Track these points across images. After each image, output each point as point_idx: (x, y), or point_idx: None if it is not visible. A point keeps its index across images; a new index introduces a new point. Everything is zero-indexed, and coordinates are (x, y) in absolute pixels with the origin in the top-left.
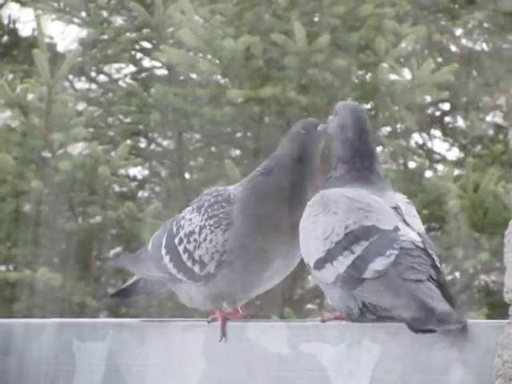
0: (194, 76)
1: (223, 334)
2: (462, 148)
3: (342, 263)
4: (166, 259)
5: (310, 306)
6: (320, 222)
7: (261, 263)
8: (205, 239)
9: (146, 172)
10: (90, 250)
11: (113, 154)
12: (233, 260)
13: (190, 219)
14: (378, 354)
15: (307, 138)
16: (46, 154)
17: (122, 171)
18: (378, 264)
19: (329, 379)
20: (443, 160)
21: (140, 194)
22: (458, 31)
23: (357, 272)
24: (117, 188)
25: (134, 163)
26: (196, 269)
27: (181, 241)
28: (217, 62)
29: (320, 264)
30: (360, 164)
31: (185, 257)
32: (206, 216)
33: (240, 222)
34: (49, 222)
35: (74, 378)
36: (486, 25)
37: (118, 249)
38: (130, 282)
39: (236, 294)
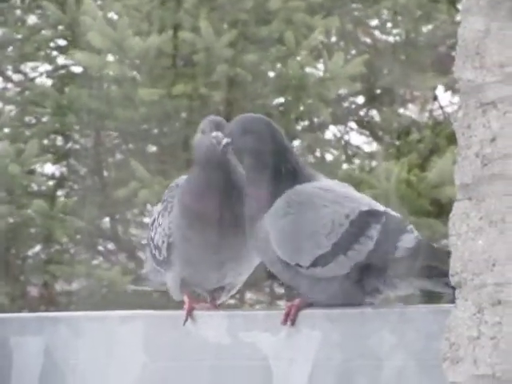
0: (108, 73)
1: (186, 318)
2: (378, 140)
3: (361, 251)
4: (148, 253)
5: (230, 301)
6: (310, 218)
7: (196, 245)
8: (159, 224)
9: (64, 170)
10: (9, 250)
11: (25, 152)
12: (177, 242)
13: (157, 209)
14: (318, 341)
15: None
16: None
17: (40, 170)
18: (408, 241)
19: (270, 368)
20: (360, 152)
21: (59, 192)
22: (373, 22)
23: (385, 254)
24: (35, 187)
25: (50, 160)
26: (157, 255)
27: (150, 231)
28: (128, 61)
29: (325, 259)
30: (304, 168)
31: (152, 245)
32: (162, 202)
33: (176, 203)
34: None
35: (11, 373)
36: (400, 17)
37: (37, 247)
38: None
39: (197, 279)
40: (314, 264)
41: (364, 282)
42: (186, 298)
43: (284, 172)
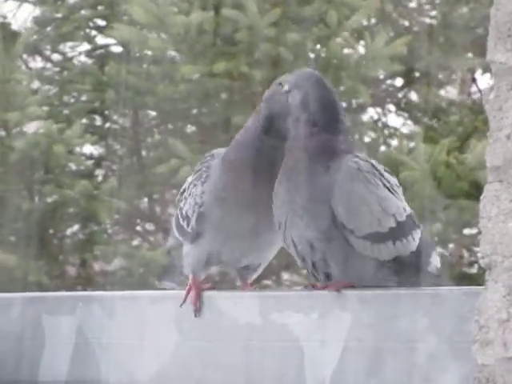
0: (147, 53)
1: (185, 300)
2: (417, 122)
3: (406, 247)
4: (173, 224)
5: (266, 281)
6: (381, 194)
7: (235, 217)
8: (190, 194)
9: (103, 150)
10: (47, 229)
11: (68, 132)
12: (209, 212)
13: (188, 180)
14: (349, 322)
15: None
16: (1, 133)
17: (78, 149)
18: (437, 260)
19: (301, 349)
20: (398, 134)
21: (97, 172)
22: (411, 4)
23: (420, 261)
24: (73, 167)
25: (90, 141)
26: (185, 225)
27: (179, 201)
28: (169, 38)
29: (378, 238)
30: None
31: (180, 215)
32: (194, 173)
33: (217, 174)
34: (5, 201)
35: (43, 352)
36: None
37: (76, 227)
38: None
39: (224, 255)
40: (367, 237)
41: (388, 281)
42: (192, 280)
43: (337, 132)
